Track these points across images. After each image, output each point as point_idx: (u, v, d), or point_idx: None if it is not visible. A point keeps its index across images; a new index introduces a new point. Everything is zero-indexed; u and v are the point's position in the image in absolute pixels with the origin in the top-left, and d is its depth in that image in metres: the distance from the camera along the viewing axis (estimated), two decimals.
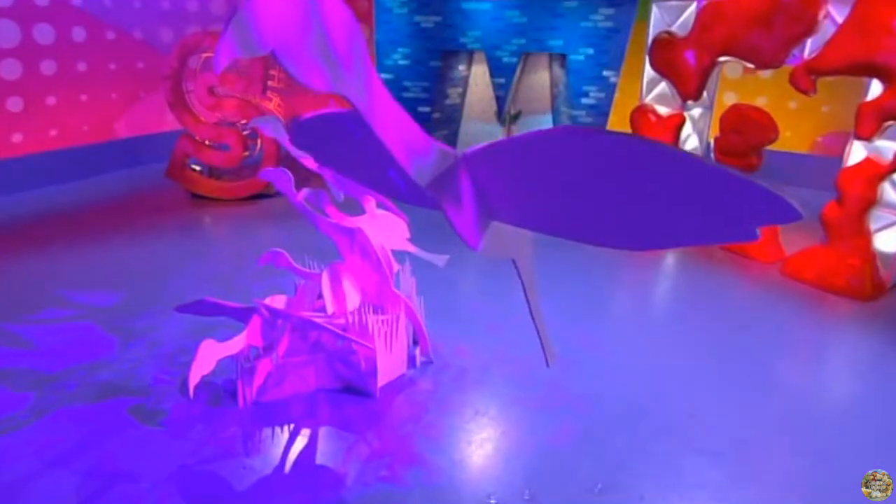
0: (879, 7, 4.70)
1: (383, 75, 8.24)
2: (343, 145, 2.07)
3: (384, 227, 3.66)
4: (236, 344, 3.16)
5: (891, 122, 4.85)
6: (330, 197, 3.43)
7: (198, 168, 7.39)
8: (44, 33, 7.62)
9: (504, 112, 8.58)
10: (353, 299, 3.54)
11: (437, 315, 4.15)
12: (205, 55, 6.98)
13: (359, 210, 3.71)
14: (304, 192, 3.36)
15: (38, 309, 4.55)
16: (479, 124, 8.94)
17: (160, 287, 4.97)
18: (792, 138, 8.67)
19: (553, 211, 1.63)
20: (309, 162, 3.28)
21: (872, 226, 5.20)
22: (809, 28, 5.22)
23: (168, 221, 6.72)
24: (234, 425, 3.30)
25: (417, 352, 3.93)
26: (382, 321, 3.57)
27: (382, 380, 3.62)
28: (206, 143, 7.20)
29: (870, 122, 4.93)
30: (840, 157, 8.32)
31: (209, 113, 7.16)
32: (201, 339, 4.03)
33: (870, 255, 5.13)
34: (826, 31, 5.22)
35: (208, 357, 3.10)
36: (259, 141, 7.47)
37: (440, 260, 4.16)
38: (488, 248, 1.89)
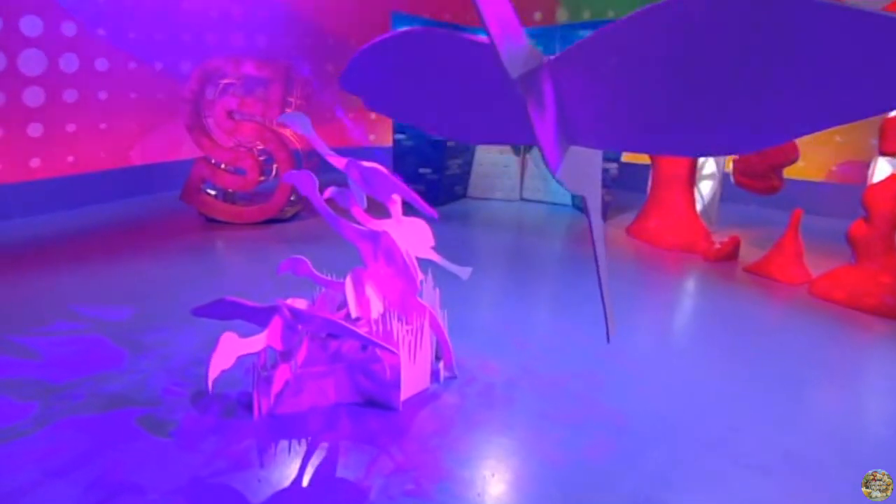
0: None
1: None
2: (401, 78, 1.95)
3: (409, 233, 3.55)
4: (257, 342, 3.00)
5: None
6: (356, 197, 3.34)
7: (212, 192, 7.38)
8: (69, 62, 7.80)
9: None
10: (376, 307, 3.40)
11: (459, 331, 3.97)
12: (224, 81, 7.08)
13: (382, 215, 3.62)
14: (331, 189, 3.28)
15: (46, 322, 4.41)
16: (494, 154, 8.98)
17: (171, 303, 4.84)
18: (808, 168, 8.66)
19: (653, 111, 1.44)
20: (336, 160, 3.22)
21: None
22: None
23: (180, 243, 6.65)
24: (249, 437, 3.10)
25: (441, 366, 3.74)
26: (407, 330, 3.41)
27: (405, 393, 3.42)
28: (223, 166, 7.21)
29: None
30: (855, 184, 8.28)
31: (227, 137, 7.21)
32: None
33: None
34: None
35: (229, 350, 2.92)
36: (275, 167, 7.49)
37: (464, 272, 4.02)
38: (565, 173, 1.72)
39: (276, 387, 3.19)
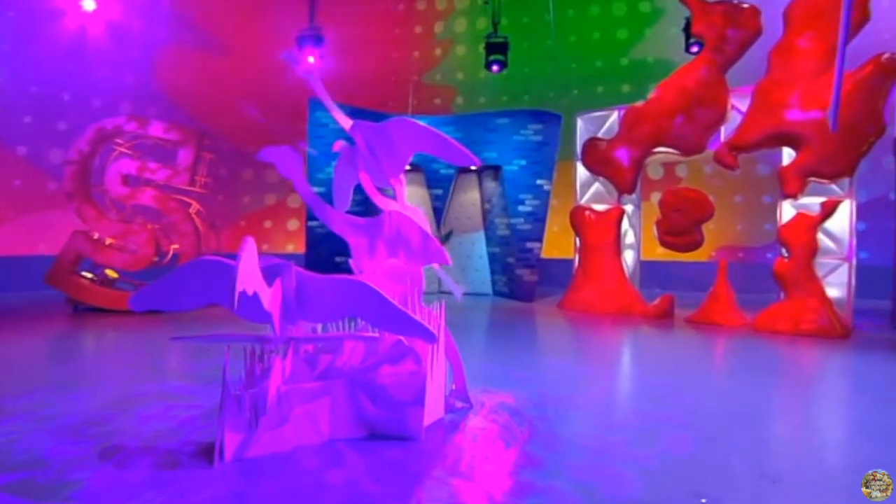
0: (772, 90, 5.70)
1: (316, 188, 7.87)
2: None
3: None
4: (266, 293, 2.03)
5: (813, 179, 5.52)
6: (364, 161, 2.75)
7: (89, 276, 5.97)
8: None
9: (438, 231, 8.51)
10: None
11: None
12: (119, 149, 6.14)
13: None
14: (340, 143, 2.67)
15: None
16: None
17: (40, 372, 3.48)
18: (694, 253, 9.72)
19: None
20: (342, 119, 2.68)
21: (820, 273, 5.53)
22: (722, 115, 6.10)
23: (40, 328, 5.06)
24: (211, 486, 2.00)
25: (452, 391, 2.96)
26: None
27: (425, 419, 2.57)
28: (108, 242, 5.95)
29: (794, 181, 5.56)
30: (732, 262, 9.48)
31: (118, 205, 6.06)
32: (123, 410, 2.77)
33: (826, 297, 5.37)
34: (734, 119, 6.14)
35: (254, 260, 1.98)
36: (173, 247, 6.37)
37: (458, 290, 3.43)
38: None
39: (251, 407, 2.19)
